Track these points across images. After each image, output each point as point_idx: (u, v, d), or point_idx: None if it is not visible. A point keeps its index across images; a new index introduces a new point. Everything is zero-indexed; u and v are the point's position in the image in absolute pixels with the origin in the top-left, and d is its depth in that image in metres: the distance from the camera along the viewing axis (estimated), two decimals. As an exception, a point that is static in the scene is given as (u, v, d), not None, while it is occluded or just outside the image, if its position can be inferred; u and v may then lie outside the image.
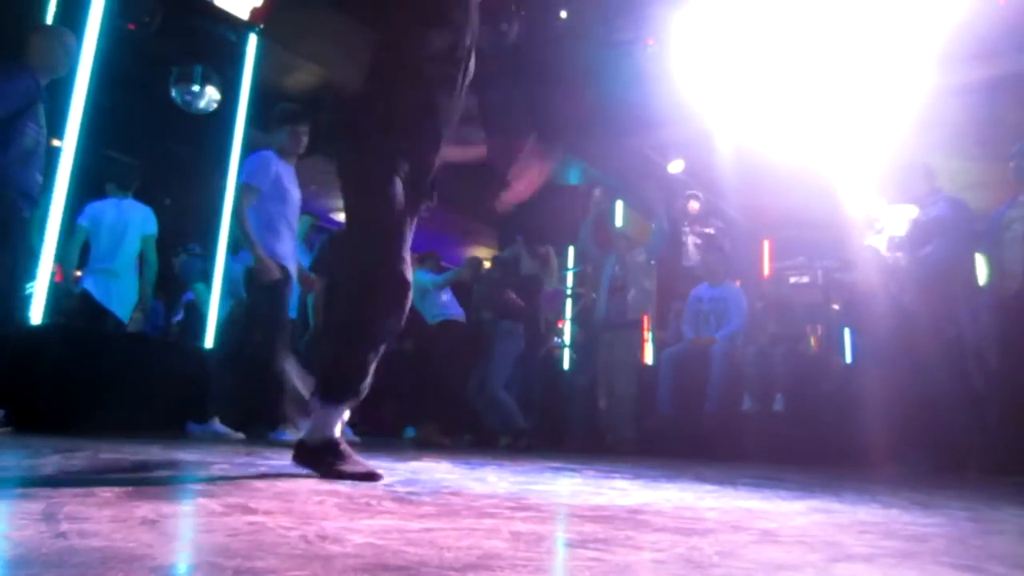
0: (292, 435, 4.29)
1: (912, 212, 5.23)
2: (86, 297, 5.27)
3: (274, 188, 4.49)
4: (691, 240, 7.51)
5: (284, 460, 3.01)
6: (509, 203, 2.87)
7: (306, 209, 9.80)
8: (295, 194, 4.65)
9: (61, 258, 5.24)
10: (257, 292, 4.45)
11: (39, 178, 3.85)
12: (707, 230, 7.46)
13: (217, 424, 4.69)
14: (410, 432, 6.50)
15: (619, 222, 9.33)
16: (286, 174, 4.59)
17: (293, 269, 4.58)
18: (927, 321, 4.65)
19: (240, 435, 4.63)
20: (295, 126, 4.63)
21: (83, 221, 5.30)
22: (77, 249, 5.32)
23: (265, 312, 4.45)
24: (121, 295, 5.36)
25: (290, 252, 4.59)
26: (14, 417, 3.93)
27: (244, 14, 6.34)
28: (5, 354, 3.82)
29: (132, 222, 5.45)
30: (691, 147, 8.12)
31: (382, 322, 2.21)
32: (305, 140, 4.69)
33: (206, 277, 6.22)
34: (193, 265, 6.56)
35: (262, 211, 4.47)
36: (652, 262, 6.61)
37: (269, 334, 4.37)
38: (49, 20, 5.40)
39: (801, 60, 6.24)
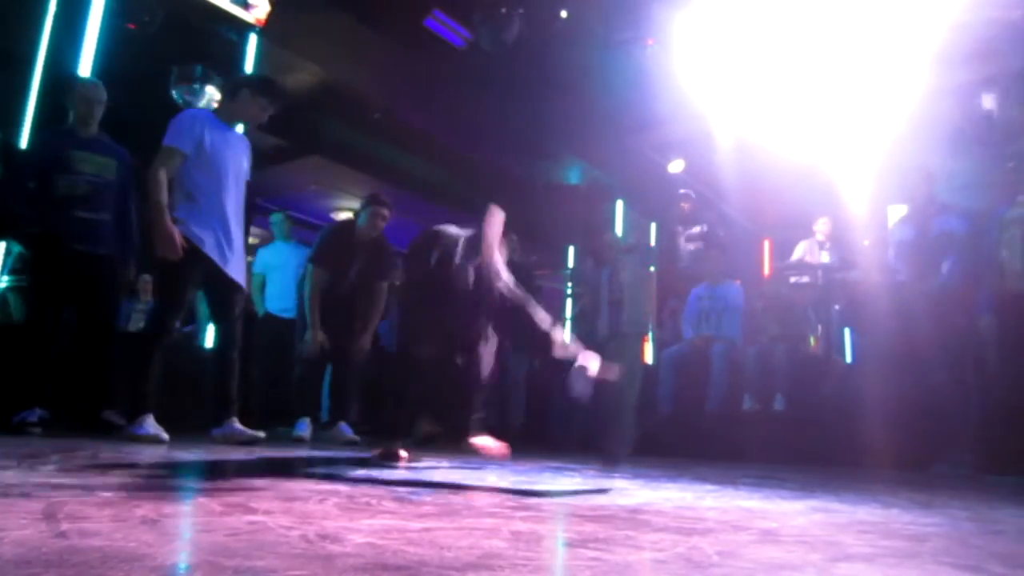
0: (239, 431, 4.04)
1: (905, 215, 5.25)
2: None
3: (200, 154, 3.90)
4: (683, 241, 7.54)
5: (284, 460, 3.02)
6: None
7: (306, 209, 9.89)
8: (233, 163, 4.04)
9: None
10: (156, 270, 4.00)
11: (86, 215, 4.15)
12: (696, 229, 7.49)
13: (236, 425, 4.07)
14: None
15: (618, 223, 9.33)
16: (219, 139, 3.99)
17: (218, 250, 3.94)
18: (939, 337, 4.65)
19: (261, 434, 4.12)
20: (263, 99, 4.15)
21: None
22: None
23: (158, 297, 4.12)
24: None
25: (215, 230, 3.93)
26: (48, 419, 3.93)
27: (244, 14, 6.36)
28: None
29: None
30: (691, 147, 8.13)
31: None
32: (262, 118, 4.21)
33: None
34: None
35: (186, 181, 3.89)
36: (651, 268, 6.61)
37: (153, 324, 4.01)
38: (49, 19, 5.41)
39: (801, 60, 6.24)
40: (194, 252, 3.82)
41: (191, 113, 4.08)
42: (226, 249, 3.97)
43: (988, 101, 6.22)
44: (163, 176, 3.76)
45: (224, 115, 4.15)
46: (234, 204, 4.05)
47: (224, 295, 4.06)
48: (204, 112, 4.18)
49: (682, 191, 7.86)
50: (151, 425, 3.74)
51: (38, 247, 4.20)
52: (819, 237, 7.06)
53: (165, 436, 3.72)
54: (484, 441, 3.15)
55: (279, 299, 6.03)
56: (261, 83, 4.28)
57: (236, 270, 4.03)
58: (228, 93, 4.32)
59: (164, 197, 3.74)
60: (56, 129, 4.37)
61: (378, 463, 3.03)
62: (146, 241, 4.09)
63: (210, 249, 3.91)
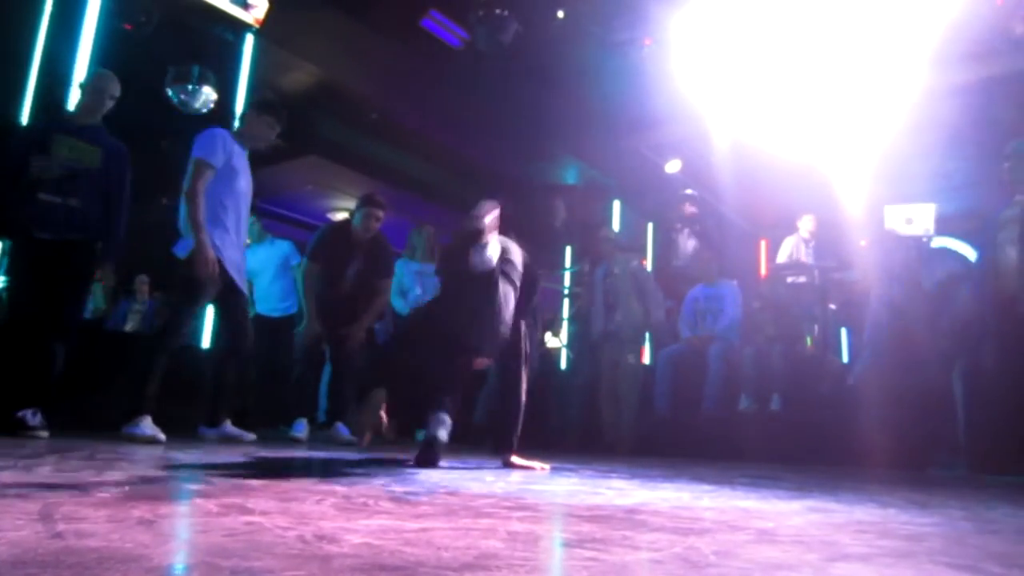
0: (230, 432, 4.21)
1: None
2: None
3: (224, 170, 4.12)
4: (682, 240, 7.55)
5: (282, 460, 3.01)
6: None
7: (303, 209, 9.88)
8: (245, 183, 4.27)
9: None
10: (182, 283, 4.06)
11: (51, 199, 3.90)
12: (693, 229, 7.52)
13: (229, 426, 4.30)
14: (421, 436, 6.45)
15: (615, 223, 9.33)
16: (238, 158, 4.23)
17: (235, 265, 4.18)
18: (935, 338, 4.69)
19: (252, 436, 4.31)
20: (268, 117, 4.36)
21: None
22: None
23: (177, 306, 4.16)
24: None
25: (232, 246, 4.16)
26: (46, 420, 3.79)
27: (243, 14, 6.35)
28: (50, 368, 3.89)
29: None
30: (688, 147, 8.14)
31: None
32: (271, 135, 4.42)
33: None
34: None
35: (212, 196, 4.07)
36: (648, 269, 6.62)
37: (168, 331, 4.07)
38: (46, 19, 5.40)
39: (798, 60, 6.25)
40: (219, 267, 4.05)
41: (221, 132, 4.21)
42: (240, 263, 4.24)
43: None
44: (201, 193, 3.98)
45: (237, 139, 4.31)
46: (245, 219, 4.34)
47: (233, 304, 4.28)
48: (227, 131, 4.30)
49: (688, 191, 7.86)
50: (148, 426, 3.77)
51: (10, 236, 3.99)
52: (803, 234, 7.09)
53: (162, 437, 3.74)
54: (525, 460, 3.32)
55: (267, 300, 6.02)
56: (262, 103, 4.47)
57: (243, 281, 4.31)
58: (240, 120, 4.50)
59: (204, 216, 3.96)
60: (52, 113, 4.22)
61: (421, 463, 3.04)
62: (154, 244, 4.16)
63: (229, 264, 4.13)
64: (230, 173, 4.15)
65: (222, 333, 4.58)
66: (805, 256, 6.93)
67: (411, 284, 5.93)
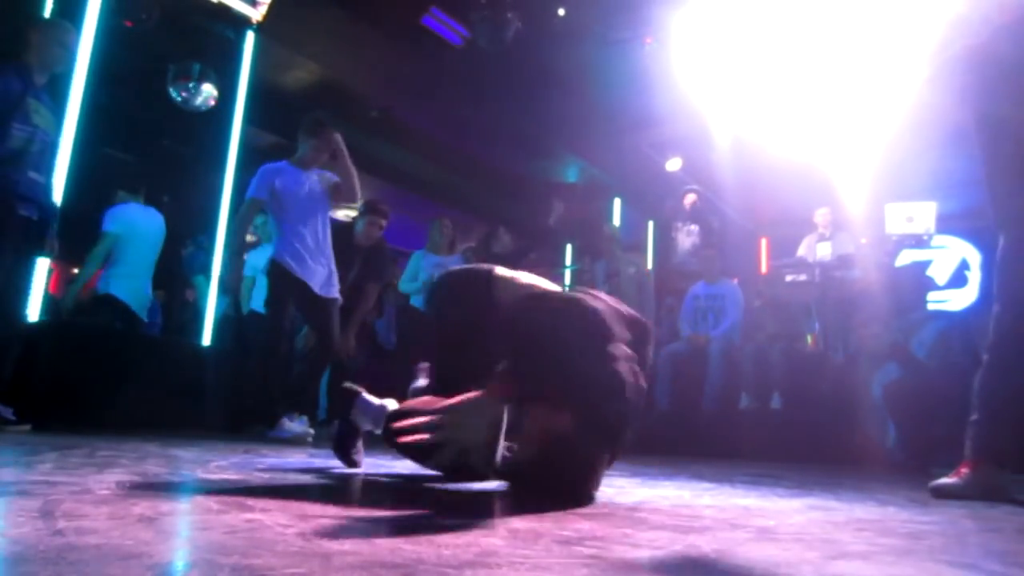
0: (288, 432, 4.29)
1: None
2: (111, 301, 5.29)
3: (275, 199, 4.51)
4: (681, 235, 7.54)
5: (281, 458, 3.01)
6: None
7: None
8: (310, 201, 4.60)
9: (88, 263, 5.36)
10: (270, 294, 4.59)
11: (36, 177, 3.66)
12: (693, 226, 7.48)
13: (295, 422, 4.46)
14: None
15: (616, 221, 9.33)
16: (293, 183, 4.56)
17: (312, 274, 4.54)
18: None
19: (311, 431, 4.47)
20: (312, 140, 4.63)
21: (113, 228, 5.28)
22: (104, 254, 5.31)
23: (268, 314, 4.57)
24: (142, 298, 5.45)
25: (311, 259, 4.54)
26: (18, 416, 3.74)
27: (252, 11, 6.34)
28: (11, 354, 3.76)
29: (158, 230, 5.58)
30: (689, 145, 8.13)
31: None
32: (324, 156, 4.70)
33: (207, 272, 6.23)
34: (198, 258, 6.56)
35: (276, 222, 4.58)
36: (648, 270, 6.62)
37: (270, 336, 4.49)
38: (47, 15, 5.39)
39: (799, 58, 6.24)
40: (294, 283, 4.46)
41: (267, 168, 4.60)
42: (323, 273, 4.58)
43: None
44: (241, 222, 4.69)
45: (297, 163, 4.68)
46: (322, 230, 4.67)
47: (318, 310, 4.58)
48: (280, 164, 4.66)
49: (689, 187, 7.85)
50: (290, 426, 4.30)
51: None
52: (820, 230, 7.04)
53: (311, 431, 4.31)
54: None
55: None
56: (304, 128, 4.69)
57: (325, 287, 4.59)
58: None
59: (240, 242, 4.74)
60: (17, 65, 3.73)
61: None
62: None
63: (307, 275, 4.50)
64: (296, 202, 4.52)
65: (313, 337, 4.94)
66: (821, 252, 6.82)
67: (428, 277, 6.01)
